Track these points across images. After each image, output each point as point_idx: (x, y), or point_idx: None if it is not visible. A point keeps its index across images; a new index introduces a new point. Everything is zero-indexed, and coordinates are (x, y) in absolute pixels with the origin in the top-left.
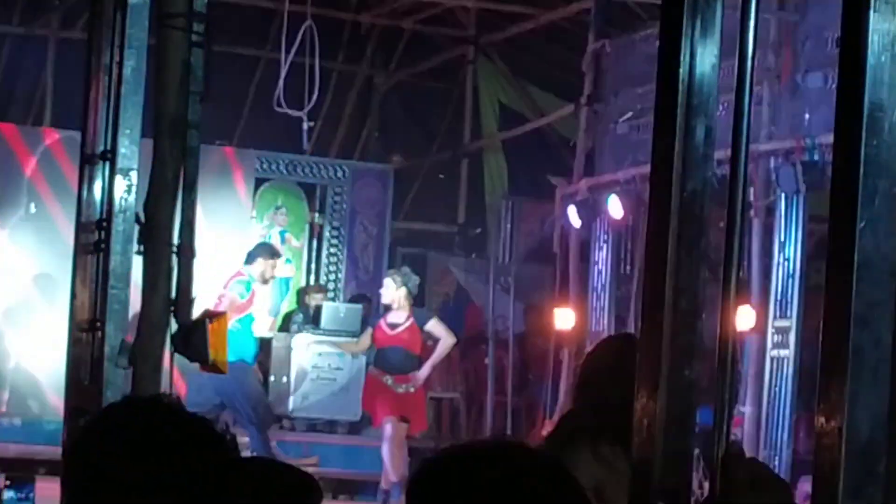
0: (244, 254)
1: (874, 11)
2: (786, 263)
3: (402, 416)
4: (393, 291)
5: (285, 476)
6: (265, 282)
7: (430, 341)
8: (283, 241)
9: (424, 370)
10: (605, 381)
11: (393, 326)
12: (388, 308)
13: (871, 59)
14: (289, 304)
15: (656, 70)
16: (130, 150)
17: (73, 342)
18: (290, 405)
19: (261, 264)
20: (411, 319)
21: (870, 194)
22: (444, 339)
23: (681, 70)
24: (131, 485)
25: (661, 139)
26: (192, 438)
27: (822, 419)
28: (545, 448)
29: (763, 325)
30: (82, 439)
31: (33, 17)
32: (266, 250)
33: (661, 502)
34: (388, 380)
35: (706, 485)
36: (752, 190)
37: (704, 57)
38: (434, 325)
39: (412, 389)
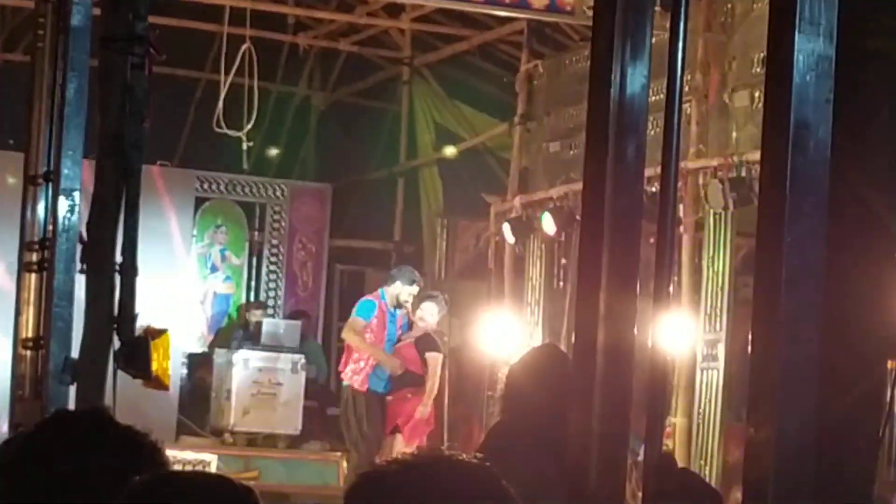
0: (184, 272)
1: (799, 33)
2: (714, 278)
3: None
4: (437, 315)
5: (223, 487)
6: (396, 306)
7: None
8: (224, 258)
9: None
10: (532, 390)
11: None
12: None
13: (796, 79)
14: (229, 320)
15: (588, 90)
16: (73, 170)
17: (17, 359)
18: (231, 420)
19: (398, 287)
20: (409, 340)
21: (796, 210)
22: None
23: (612, 90)
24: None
25: (592, 157)
26: (124, 452)
27: (752, 430)
28: (477, 458)
29: (692, 339)
30: (13, 457)
31: None
32: (407, 277)
33: None
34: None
35: (639, 494)
36: (681, 206)
37: (635, 78)
38: (432, 358)
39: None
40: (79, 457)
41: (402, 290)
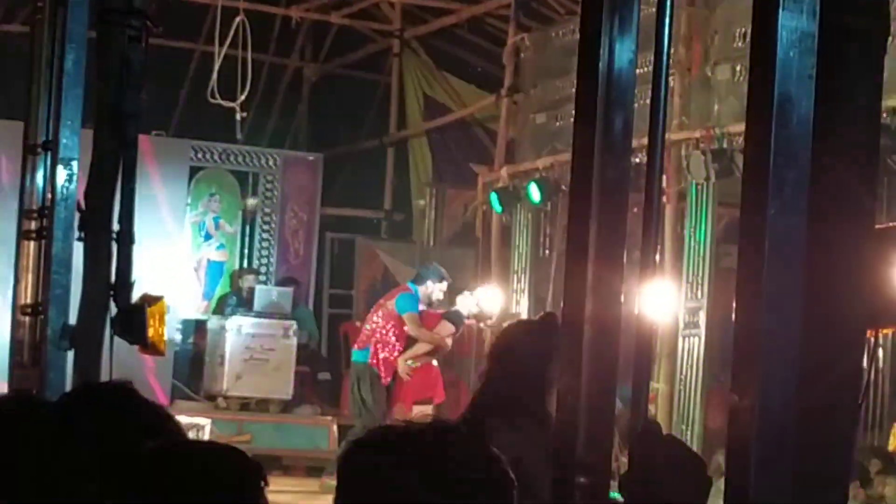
0: (179, 240)
1: (783, 9)
2: (696, 246)
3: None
4: (440, 293)
5: (234, 458)
6: (430, 304)
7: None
8: (217, 226)
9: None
10: (521, 356)
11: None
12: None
13: (780, 54)
14: (222, 287)
15: (577, 64)
16: (71, 140)
17: (16, 326)
18: (225, 385)
19: (429, 287)
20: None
21: (779, 182)
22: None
23: (600, 64)
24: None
25: (581, 129)
26: (147, 422)
27: (736, 397)
28: (464, 421)
29: (675, 306)
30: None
31: None
32: (436, 274)
33: (582, 477)
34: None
35: (624, 459)
36: (664, 177)
37: (623, 52)
38: (444, 325)
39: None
40: (107, 429)
41: (433, 288)
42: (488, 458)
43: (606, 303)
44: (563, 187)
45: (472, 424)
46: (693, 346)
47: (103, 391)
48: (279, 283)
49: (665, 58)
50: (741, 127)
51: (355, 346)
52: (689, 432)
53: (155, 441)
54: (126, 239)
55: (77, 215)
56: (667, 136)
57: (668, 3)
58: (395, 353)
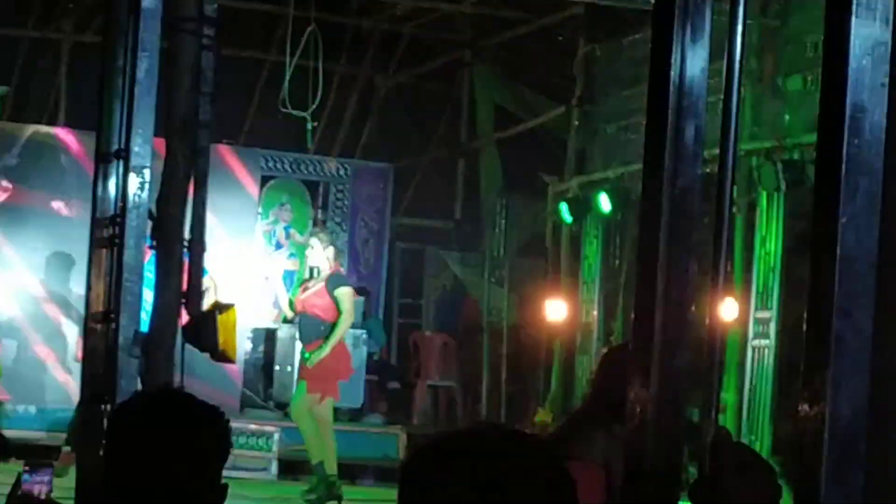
0: (250, 249)
1: (856, 17)
2: (766, 257)
3: (314, 390)
4: (320, 252)
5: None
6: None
7: None
8: (288, 235)
9: (326, 348)
10: (618, 378)
11: (305, 290)
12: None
13: (852, 63)
14: (293, 296)
15: (648, 73)
16: (143, 148)
17: (89, 333)
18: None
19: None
20: (321, 284)
21: (851, 191)
22: (345, 316)
23: (672, 73)
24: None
25: (652, 138)
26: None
27: (806, 406)
28: (563, 427)
29: (745, 317)
30: (116, 423)
31: (48, 21)
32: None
33: (652, 485)
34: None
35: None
36: (734, 187)
37: (694, 60)
38: (343, 294)
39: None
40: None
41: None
42: (553, 465)
43: (676, 313)
44: (633, 197)
45: (570, 431)
46: (763, 356)
47: (157, 396)
48: None
49: (737, 67)
50: (812, 137)
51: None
52: (757, 443)
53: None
54: (197, 247)
55: (149, 223)
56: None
57: (741, 13)
58: None
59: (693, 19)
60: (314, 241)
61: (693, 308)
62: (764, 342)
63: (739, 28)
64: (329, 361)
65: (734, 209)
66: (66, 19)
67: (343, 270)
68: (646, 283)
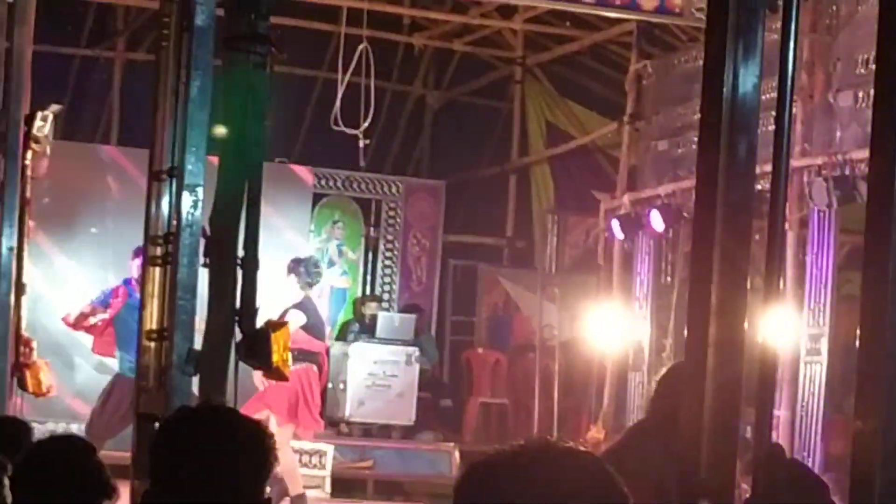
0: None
1: None
2: (818, 273)
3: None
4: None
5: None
6: None
7: None
8: (340, 253)
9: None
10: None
11: None
12: None
13: None
14: (345, 314)
15: (700, 89)
16: (196, 167)
17: (142, 351)
18: (347, 410)
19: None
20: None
21: None
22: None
23: (724, 89)
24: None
25: (705, 154)
26: (247, 443)
27: (860, 422)
28: (620, 443)
29: (797, 333)
30: (159, 440)
31: (100, 40)
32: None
33: (706, 500)
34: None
35: (745, 484)
36: (786, 204)
37: (747, 77)
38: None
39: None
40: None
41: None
42: (608, 482)
43: (730, 328)
44: (685, 214)
45: (626, 446)
46: (815, 373)
47: (201, 412)
48: (403, 310)
49: (789, 83)
50: (864, 153)
51: None
52: (809, 459)
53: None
54: (251, 265)
55: (202, 241)
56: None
57: (793, 29)
58: None
59: (745, 36)
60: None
61: (746, 325)
62: (816, 359)
63: (791, 45)
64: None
65: (786, 225)
66: (119, 38)
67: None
68: (699, 300)
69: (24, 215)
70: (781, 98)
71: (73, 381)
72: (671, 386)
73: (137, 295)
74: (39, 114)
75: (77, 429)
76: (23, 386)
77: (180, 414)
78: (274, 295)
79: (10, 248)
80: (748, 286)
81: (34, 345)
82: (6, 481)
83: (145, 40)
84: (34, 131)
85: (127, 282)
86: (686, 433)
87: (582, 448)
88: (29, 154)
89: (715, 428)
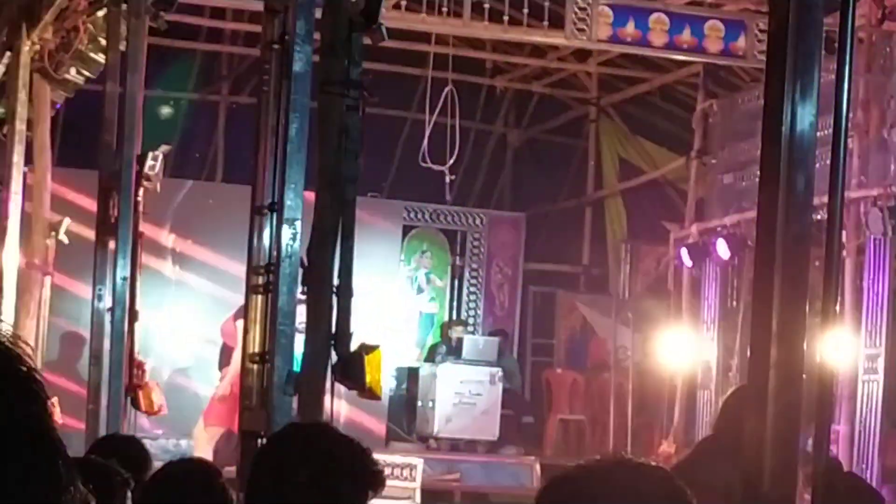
0: (394, 293)
1: None
2: (875, 298)
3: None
4: None
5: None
6: None
7: None
8: (428, 281)
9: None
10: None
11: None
12: None
13: None
14: (433, 337)
15: (761, 127)
16: (295, 202)
17: (245, 373)
18: (435, 427)
19: None
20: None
21: None
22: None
23: (783, 127)
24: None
25: (765, 188)
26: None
27: None
28: (690, 457)
29: (856, 353)
30: (263, 457)
31: (206, 84)
32: None
33: None
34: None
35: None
36: (844, 232)
37: (804, 116)
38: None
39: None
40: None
41: None
42: (679, 497)
43: (790, 350)
44: (750, 243)
45: (696, 460)
46: (872, 391)
47: (303, 430)
48: (489, 334)
49: (844, 121)
50: None
51: None
52: (867, 472)
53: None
54: (345, 292)
55: (300, 271)
56: (846, 194)
57: (847, 71)
58: None
59: (802, 77)
60: None
61: (805, 346)
62: (873, 377)
63: (846, 85)
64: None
65: (843, 253)
66: (223, 82)
67: None
68: (761, 324)
69: (137, 247)
70: (837, 134)
71: (181, 400)
72: (736, 404)
73: None
74: (150, 153)
75: (186, 444)
76: (136, 405)
77: (287, 430)
78: (366, 320)
79: (124, 278)
80: (808, 310)
81: (146, 367)
82: (129, 494)
83: (248, 85)
84: (145, 170)
85: None
86: (750, 448)
87: (654, 463)
88: (140, 191)
89: (776, 443)
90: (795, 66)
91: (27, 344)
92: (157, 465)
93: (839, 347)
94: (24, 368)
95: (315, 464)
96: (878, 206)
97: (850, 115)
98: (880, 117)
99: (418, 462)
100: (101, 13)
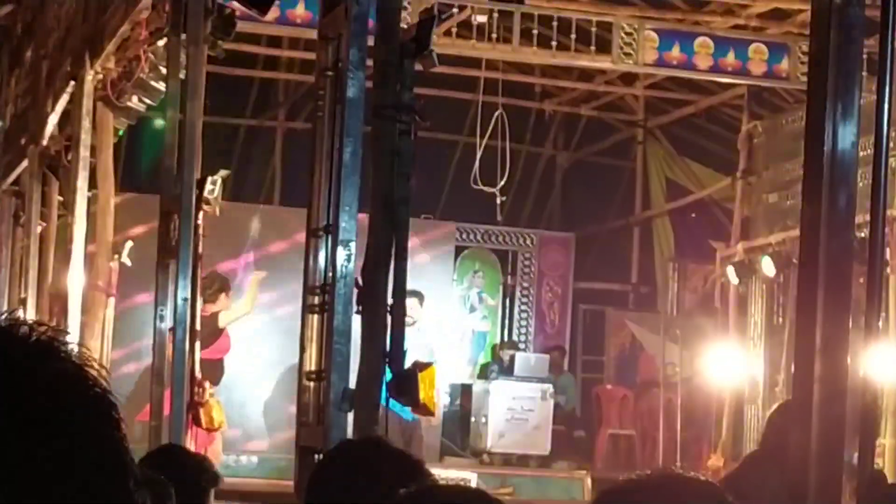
0: (447, 312)
1: None
2: None
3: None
4: None
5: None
6: None
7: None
8: (481, 300)
9: None
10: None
11: None
12: None
13: None
14: (485, 355)
15: (803, 147)
16: (349, 223)
17: (302, 390)
18: (489, 442)
19: None
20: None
21: None
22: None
23: (825, 147)
24: None
25: (808, 207)
26: (406, 475)
27: None
28: (739, 470)
29: None
30: (320, 473)
31: (263, 111)
32: None
33: None
34: None
35: None
36: (888, 250)
37: (845, 136)
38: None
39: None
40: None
41: None
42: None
43: (834, 364)
44: (794, 260)
45: (745, 472)
46: None
47: (358, 446)
48: (546, 350)
49: (885, 140)
50: None
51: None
52: None
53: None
54: (399, 312)
55: (355, 291)
56: (890, 212)
57: (887, 91)
58: None
59: (843, 99)
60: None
61: (849, 361)
62: None
63: (885, 107)
64: None
65: (887, 269)
66: (279, 109)
67: None
68: (805, 339)
69: (197, 269)
70: (878, 153)
71: (240, 417)
72: (782, 419)
73: None
74: (210, 178)
75: (246, 460)
76: (197, 422)
77: (342, 447)
78: (421, 338)
79: (185, 299)
80: (851, 326)
81: (206, 385)
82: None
83: (303, 111)
84: (205, 194)
85: None
86: (795, 462)
87: (703, 477)
88: (200, 214)
89: (821, 457)
90: (836, 87)
91: (102, 367)
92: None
93: (883, 362)
94: (99, 391)
95: (370, 479)
96: None
97: (893, 133)
98: None
99: (472, 476)
100: (161, 42)
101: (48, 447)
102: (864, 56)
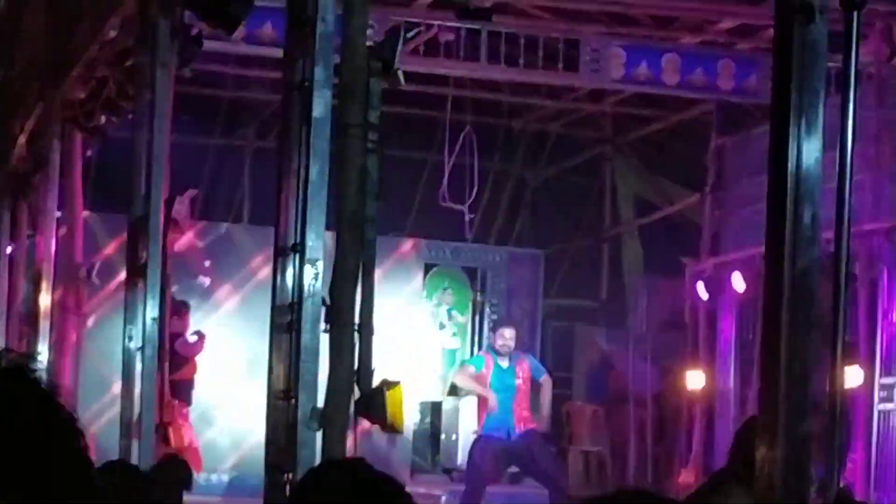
0: (415, 329)
1: None
2: (889, 328)
3: None
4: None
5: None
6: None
7: None
8: (450, 317)
9: None
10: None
11: None
12: None
13: None
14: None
15: (767, 163)
16: (317, 242)
17: (271, 409)
18: (459, 459)
19: None
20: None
21: None
22: None
23: (789, 163)
24: None
25: (773, 223)
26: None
27: None
28: (706, 486)
29: (870, 382)
30: (304, 490)
31: (232, 130)
32: None
33: None
34: None
35: None
36: (857, 264)
37: (810, 152)
38: None
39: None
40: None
41: None
42: None
43: (800, 380)
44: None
45: (712, 488)
46: (887, 419)
47: (339, 466)
48: None
49: (849, 156)
50: None
51: None
52: (885, 500)
53: None
54: (367, 330)
55: (323, 310)
56: (859, 227)
57: (851, 107)
58: None
59: (807, 115)
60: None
61: (816, 376)
62: (888, 406)
63: (850, 121)
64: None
65: (856, 284)
66: (248, 128)
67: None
68: (770, 354)
69: (166, 289)
70: (843, 168)
71: (210, 437)
72: (748, 434)
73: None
74: (178, 197)
75: (216, 479)
76: (166, 441)
77: (323, 466)
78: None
79: (154, 318)
80: (819, 341)
81: (175, 404)
82: None
83: (272, 130)
84: (173, 213)
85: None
86: (762, 478)
87: (672, 494)
88: (168, 234)
89: (788, 472)
90: (801, 103)
91: (64, 387)
92: None
93: (853, 377)
94: (64, 415)
95: (351, 500)
96: (891, 238)
97: (861, 148)
98: (892, 151)
99: (443, 494)
100: (128, 63)
101: (14, 461)
102: (832, 72)
